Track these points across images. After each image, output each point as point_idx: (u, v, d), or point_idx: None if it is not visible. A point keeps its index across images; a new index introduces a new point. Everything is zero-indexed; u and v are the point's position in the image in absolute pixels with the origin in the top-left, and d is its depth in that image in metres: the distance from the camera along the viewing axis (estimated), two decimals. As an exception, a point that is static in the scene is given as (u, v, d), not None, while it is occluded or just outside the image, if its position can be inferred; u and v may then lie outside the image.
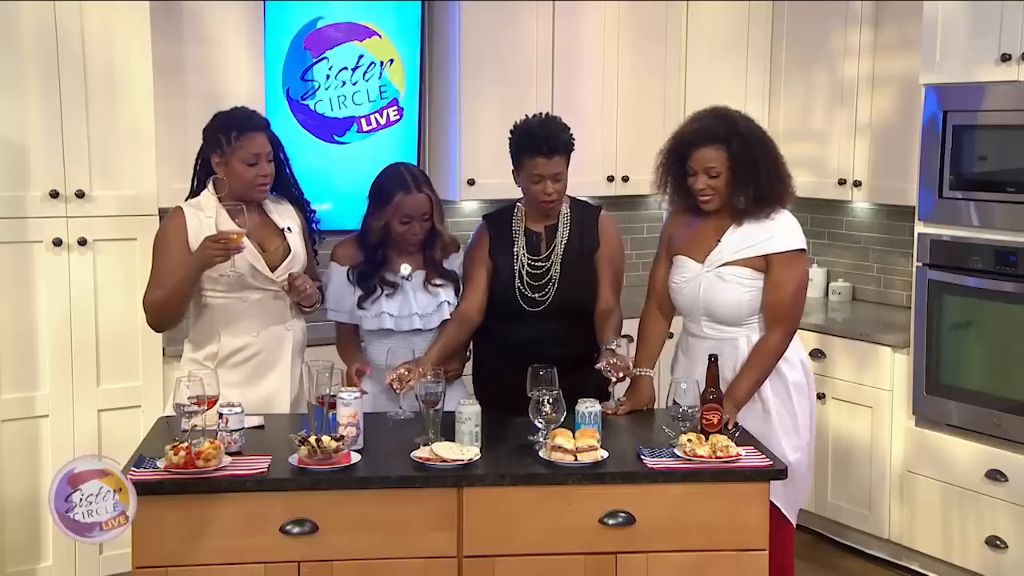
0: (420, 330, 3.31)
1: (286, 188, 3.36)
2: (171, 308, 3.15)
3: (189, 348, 3.29)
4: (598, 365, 3.12)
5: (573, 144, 3.31)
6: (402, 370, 3.12)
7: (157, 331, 3.23)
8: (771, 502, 2.90)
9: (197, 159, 3.28)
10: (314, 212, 3.44)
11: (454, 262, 3.42)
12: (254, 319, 3.23)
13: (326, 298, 3.35)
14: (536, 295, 3.35)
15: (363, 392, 3.03)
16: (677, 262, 3.30)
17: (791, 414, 3.23)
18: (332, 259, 3.38)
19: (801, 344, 3.35)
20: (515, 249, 3.39)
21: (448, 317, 3.33)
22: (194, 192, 3.28)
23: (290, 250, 3.27)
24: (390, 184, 3.27)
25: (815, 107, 4.90)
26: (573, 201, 3.45)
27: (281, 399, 3.30)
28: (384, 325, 3.28)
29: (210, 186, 3.21)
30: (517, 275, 3.36)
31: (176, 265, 3.11)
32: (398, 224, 3.25)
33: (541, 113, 3.36)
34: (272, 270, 3.22)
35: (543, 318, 3.35)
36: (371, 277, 3.29)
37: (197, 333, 3.26)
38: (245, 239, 3.07)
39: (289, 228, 3.30)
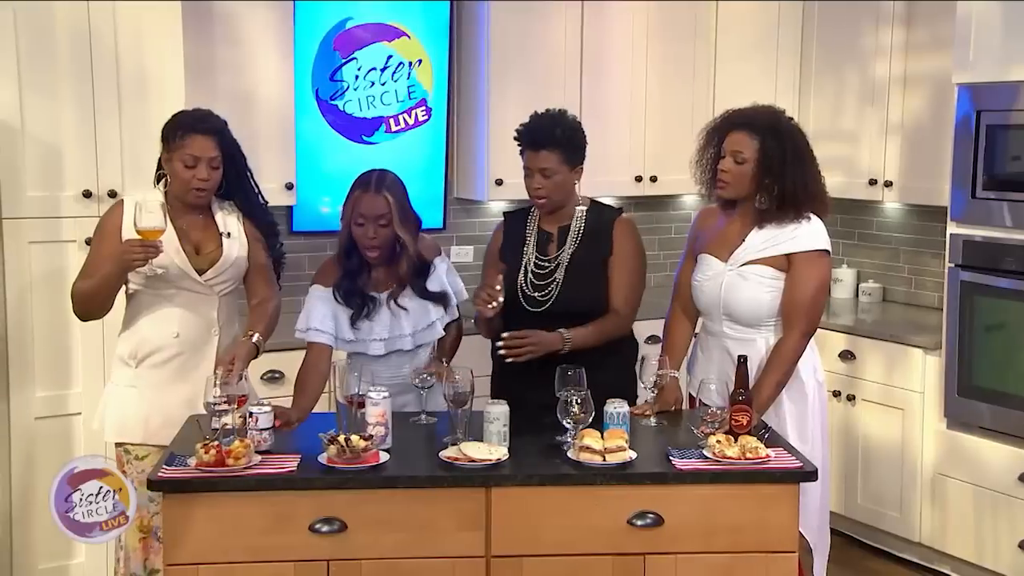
0: (411, 350, 3.23)
1: (245, 202, 3.25)
2: (95, 301, 3.13)
3: (119, 344, 3.22)
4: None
5: (569, 141, 3.23)
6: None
7: (82, 320, 3.23)
8: None
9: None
10: (278, 236, 3.32)
11: (440, 267, 3.31)
12: (176, 320, 3.15)
13: (307, 319, 3.20)
14: (537, 294, 3.31)
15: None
16: (701, 260, 3.30)
17: (803, 419, 3.20)
18: (315, 281, 3.25)
19: (814, 347, 3.27)
20: (525, 248, 3.37)
21: (442, 335, 3.27)
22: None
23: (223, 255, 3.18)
24: (354, 183, 3.19)
25: (846, 107, 4.86)
26: (592, 203, 3.39)
27: (199, 408, 2.96)
28: (372, 352, 3.20)
29: (160, 183, 3.20)
30: (523, 272, 3.33)
31: (106, 258, 3.09)
32: (354, 226, 3.14)
33: (554, 109, 3.32)
34: (201, 273, 3.15)
35: (545, 320, 3.25)
36: (355, 292, 3.20)
37: (124, 327, 3.21)
38: (173, 238, 3.06)
39: (229, 233, 3.21)
